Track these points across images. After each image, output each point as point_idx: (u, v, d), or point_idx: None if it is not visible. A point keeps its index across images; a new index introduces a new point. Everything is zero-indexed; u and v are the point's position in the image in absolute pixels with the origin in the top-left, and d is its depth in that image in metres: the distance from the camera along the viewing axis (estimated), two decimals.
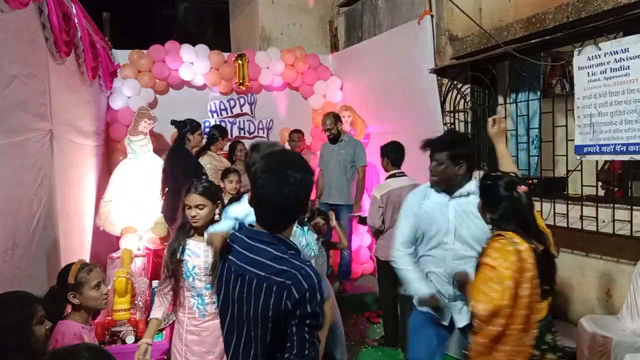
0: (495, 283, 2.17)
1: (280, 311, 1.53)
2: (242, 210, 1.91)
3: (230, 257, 1.71)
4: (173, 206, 4.68)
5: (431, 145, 2.78)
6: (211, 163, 5.26)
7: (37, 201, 2.97)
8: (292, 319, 1.54)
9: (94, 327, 2.58)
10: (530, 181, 4.18)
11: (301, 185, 1.59)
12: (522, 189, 2.26)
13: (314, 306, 1.54)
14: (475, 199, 2.63)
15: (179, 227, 2.76)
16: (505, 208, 2.27)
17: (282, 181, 1.57)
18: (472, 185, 2.72)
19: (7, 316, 1.91)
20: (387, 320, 4.63)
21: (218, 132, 5.68)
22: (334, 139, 5.61)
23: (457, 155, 2.70)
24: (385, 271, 4.27)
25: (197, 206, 2.65)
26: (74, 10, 3.80)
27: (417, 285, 2.86)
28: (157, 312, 2.77)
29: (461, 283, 2.62)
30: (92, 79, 4.54)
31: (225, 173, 4.71)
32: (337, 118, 5.64)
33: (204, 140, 5.50)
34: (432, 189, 2.85)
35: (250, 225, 1.77)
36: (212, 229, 1.98)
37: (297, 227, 3.07)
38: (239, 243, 1.72)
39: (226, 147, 5.95)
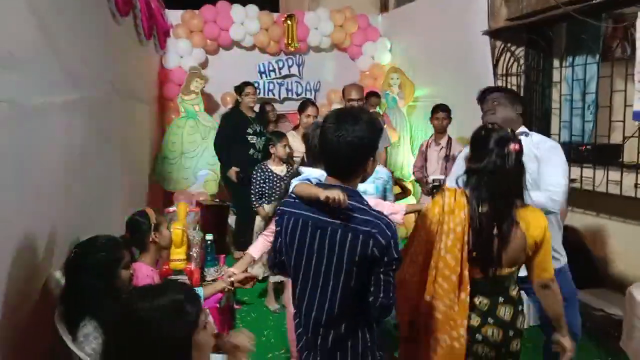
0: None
1: (366, 258, 1.64)
2: (312, 173, 1.97)
3: (300, 211, 1.78)
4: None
5: (486, 89, 2.67)
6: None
7: (99, 156, 3.14)
8: (378, 265, 1.65)
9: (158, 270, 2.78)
10: (584, 147, 4.10)
11: (359, 133, 1.64)
12: (514, 147, 1.95)
13: (398, 251, 1.66)
14: (537, 139, 2.54)
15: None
16: (488, 163, 1.95)
17: (342, 129, 1.64)
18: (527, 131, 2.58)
19: (97, 257, 2.01)
20: None
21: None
22: None
23: (514, 95, 2.61)
24: None
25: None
26: None
27: None
28: (255, 251, 2.75)
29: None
30: (148, 38, 4.66)
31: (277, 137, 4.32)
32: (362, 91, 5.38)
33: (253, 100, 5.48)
34: None
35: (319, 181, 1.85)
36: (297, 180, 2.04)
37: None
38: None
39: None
